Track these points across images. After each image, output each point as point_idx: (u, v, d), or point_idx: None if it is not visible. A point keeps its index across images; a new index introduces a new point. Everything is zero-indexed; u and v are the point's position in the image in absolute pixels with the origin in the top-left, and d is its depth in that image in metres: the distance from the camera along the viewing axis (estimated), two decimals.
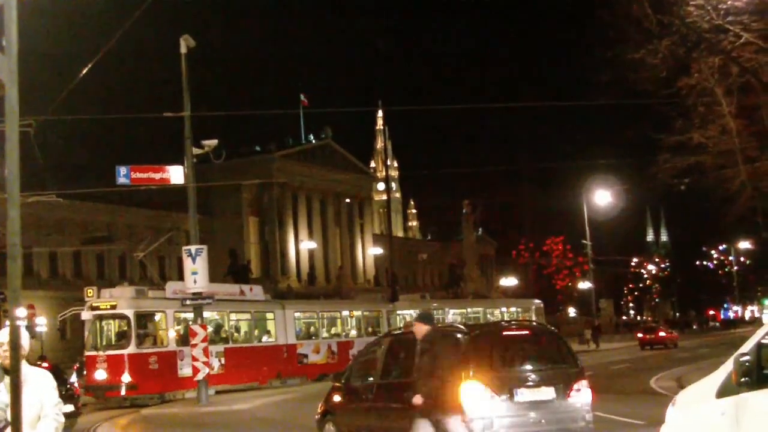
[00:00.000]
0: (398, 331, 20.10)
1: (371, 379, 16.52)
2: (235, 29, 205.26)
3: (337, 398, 17.39)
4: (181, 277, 37.75)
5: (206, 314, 35.81)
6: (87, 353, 36.18)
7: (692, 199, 58.36)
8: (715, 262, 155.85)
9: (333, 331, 48.07)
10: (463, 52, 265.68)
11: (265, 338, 42.72)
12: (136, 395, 34.73)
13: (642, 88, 31.44)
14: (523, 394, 13.94)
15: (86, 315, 36.32)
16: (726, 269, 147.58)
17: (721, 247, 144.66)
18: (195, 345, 32.20)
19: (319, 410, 17.91)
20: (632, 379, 36.07)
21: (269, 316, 43.24)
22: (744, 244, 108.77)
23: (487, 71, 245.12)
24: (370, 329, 50.27)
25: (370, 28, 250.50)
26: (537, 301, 69.32)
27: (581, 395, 14.41)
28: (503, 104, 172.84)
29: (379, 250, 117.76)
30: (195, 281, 32.43)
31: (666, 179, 35.36)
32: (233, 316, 41.17)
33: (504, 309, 63.58)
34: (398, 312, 53.19)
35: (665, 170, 34.36)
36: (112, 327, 36.71)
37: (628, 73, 30.52)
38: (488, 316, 58.92)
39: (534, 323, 17.96)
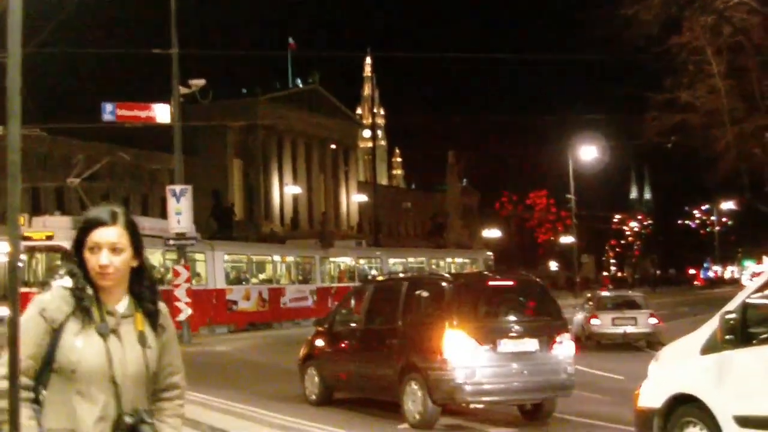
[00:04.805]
0: (382, 278, 20.15)
1: (354, 325, 16.55)
2: None
3: (319, 343, 17.41)
4: None
5: None
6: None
7: (677, 158, 58.41)
8: (697, 221, 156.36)
9: (263, 276, 45.41)
10: (455, 3, 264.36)
11: (194, 282, 37.09)
12: None
13: (633, 45, 31.41)
14: (506, 345, 13.99)
15: None
16: (708, 229, 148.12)
17: (703, 207, 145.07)
18: (178, 285, 31.97)
19: (300, 354, 17.92)
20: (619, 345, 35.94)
21: (199, 257, 39.09)
22: (727, 205, 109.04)
23: (477, 21, 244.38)
24: (301, 276, 47.73)
25: None
26: (489, 252, 67.55)
27: (564, 348, 14.48)
28: (492, 54, 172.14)
29: (363, 198, 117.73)
30: (179, 221, 32.26)
31: (653, 136, 35.50)
32: (170, 255, 36.17)
33: (449, 259, 61.13)
34: (331, 259, 50.71)
35: (652, 127, 34.51)
36: (44, 260, 33.42)
37: (620, 29, 30.45)
38: (432, 266, 55.80)
39: (520, 274, 17.91)
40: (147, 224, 35.98)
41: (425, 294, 15.29)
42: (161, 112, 33.49)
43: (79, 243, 3.96)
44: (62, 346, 3.83)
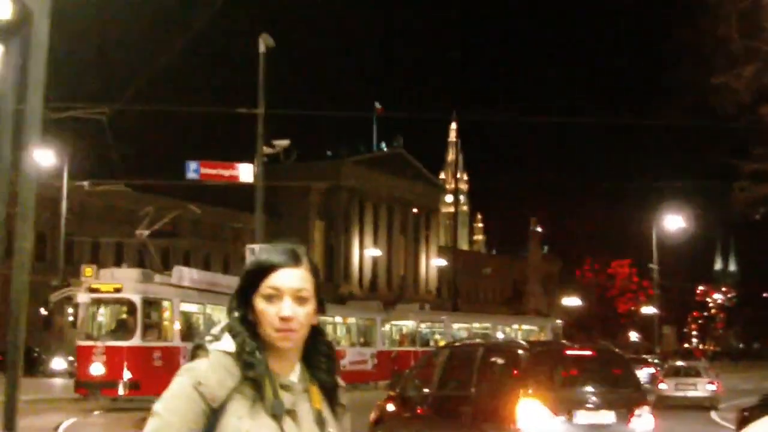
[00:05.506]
0: (457, 344, 19.88)
1: (427, 390, 16.27)
2: (314, 33, 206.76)
3: (390, 408, 17.15)
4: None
5: (189, 307, 33.52)
6: (80, 343, 31.15)
7: (765, 231, 57.44)
8: None
9: None
10: (540, 68, 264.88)
11: None
12: (135, 395, 29.82)
13: (723, 113, 30.97)
14: (583, 416, 13.61)
15: (83, 297, 31.37)
16: None
17: None
18: None
19: (370, 418, 17.68)
20: (692, 410, 35.45)
21: None
22: None
23: (563, 89, 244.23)
24: (362, 339, 46.70)
25: (448, 40, 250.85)
26: (558, 321, 66.44)
27: (642, 421, 14.05)
28: (577, 120, 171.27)
29: (443, 262, 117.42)
30: None
31: (741, 207, 34.83)
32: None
33: (516, 326, 59.55)
34: (393, 322, 49.53)
35: (740, 198, 33.85)
36: (110, 313, 32.20)
37: (709, 97, 30.10)
38: (498, 333, 54.22)
39: (599, 344, 17.57)
40: (223, 281, 36.23)
41: (500, 361, 15.01)
42: (245, 172, 33.49)
43: (246, 292, 3.03)
44: None
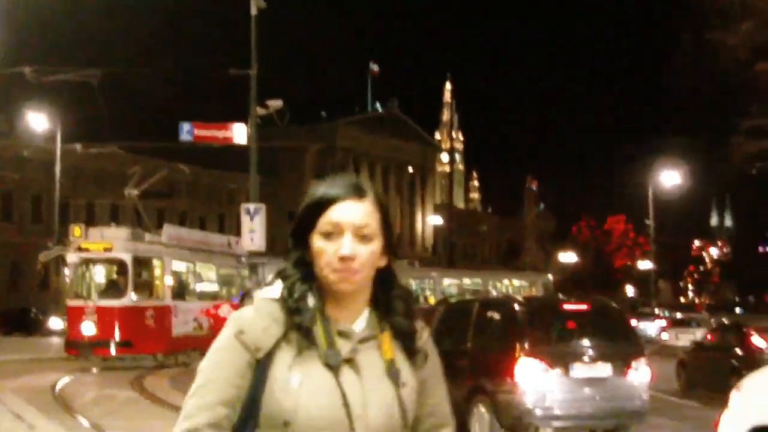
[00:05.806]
0: (453, 300, 19.90)
1: None
2: None
3: None
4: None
5: (179, 265, 33.57)
6: (70, 303, 30.78)
7: (761, 185, 57.58)
8: None
9: None
10: (535, 24, 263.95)
11: (236, 300, 35.26)
12: (126, 354, 30.27)
13: (719, 70, 31.03)
14: (579, 370, 13.65)
15: (72, 257, 30.65)
16: None
17: None
18: None
19: None
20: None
21: (244, 273, 36.37)
22: None
23: (559, 47, 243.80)
24: None
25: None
26: (549, 276, 66.96)
27: (639, 374, 14.10)
28: (571, 80, 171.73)
29: (439, 220, 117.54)
30: (252, 239, 32.07)
31: (737, 163, 34.97)
32: (222, 271, 36.64)
33: (506, 282, 59.56)
34: None
35: (737, 153, 33.98)
36: (101, 273, 31.75)
37: (706, 54, 30.16)
38: (490, 288, 54.07)
39: (595, 298, 17.51)
40: (215, 240, 37.42)
41: (496, 316, 15.01)
42: (238, 133, 33.37)
43: (303, 230, 2.68)
44: (271, 387, 2.56)
